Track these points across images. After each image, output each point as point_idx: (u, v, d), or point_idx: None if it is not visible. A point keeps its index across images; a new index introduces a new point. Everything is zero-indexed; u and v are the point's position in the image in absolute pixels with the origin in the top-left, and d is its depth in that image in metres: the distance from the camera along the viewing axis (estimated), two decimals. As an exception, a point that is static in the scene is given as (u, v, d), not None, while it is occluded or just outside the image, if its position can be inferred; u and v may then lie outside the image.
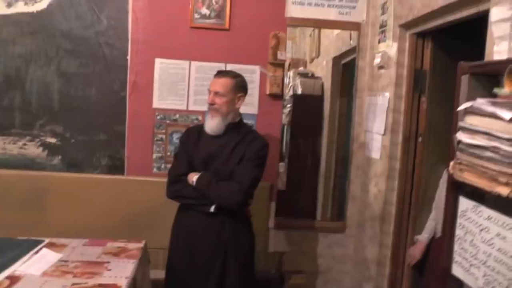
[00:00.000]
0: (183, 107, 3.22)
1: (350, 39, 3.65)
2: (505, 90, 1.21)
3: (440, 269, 2.23)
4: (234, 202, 2.35)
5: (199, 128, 2.56)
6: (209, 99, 2.43)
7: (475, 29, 2.18)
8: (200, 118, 3.19)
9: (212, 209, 2.38)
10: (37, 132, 3.18)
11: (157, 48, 3.17)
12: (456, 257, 1.53)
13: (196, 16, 3.16)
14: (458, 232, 1.53)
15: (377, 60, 3.03)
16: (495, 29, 1.56)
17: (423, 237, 2.60)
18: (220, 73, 2.51)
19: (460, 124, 1.46)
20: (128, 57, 3.17)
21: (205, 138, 2.50)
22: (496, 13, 1.54)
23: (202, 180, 2.37)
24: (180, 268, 2.47)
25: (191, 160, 2.48)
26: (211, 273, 2.41)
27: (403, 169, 2.88)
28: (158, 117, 3.22)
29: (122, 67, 3.17)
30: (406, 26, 2.81)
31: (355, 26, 3.31)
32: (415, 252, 2.63)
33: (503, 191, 1.23)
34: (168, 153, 3.22)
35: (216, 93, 2.42)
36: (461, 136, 1.45)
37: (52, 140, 3.21)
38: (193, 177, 2.39)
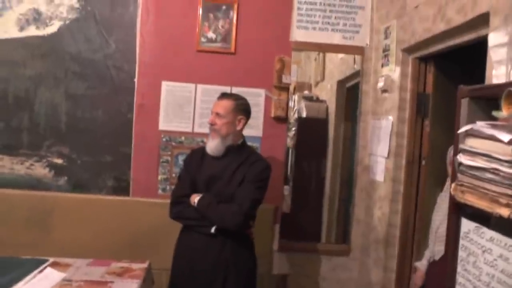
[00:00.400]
0: (189, 130, 3.26)
1: (354, 63, 3.69)
2: (502, 113, 1.24)
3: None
4: (233, 224, 2.36)
5: (203, 150, 2.59)
6: (210, 119, 2.49)
7: (476, 54, 2.22)
8: (205, 140, 3.21)
9: (212, 230, 2.40)
10: (44, 153, 3.22)
11: (164, 71, 3.23)
12: (459, 278, 1.53)
13: (203, 40, 3.22)
14: (461, 253, 1.53)
15: (381, 84, 3.06)
16: (493, 54, 1.59)
17: (422, 265, 2.61)
18: (223, 95, 2.56)
19: (461, 146, 1.48)
20: (135, 80, 3.23)
21: (208, 160, 2.53)
22: (493, 39, 1.57)
23: (202, 202, 2.41)
24: (181, 285, 2.48)
25: (194, 181, 2.52)
26: None
27: (406, 192, 2.89)
28: (164, 139, 3.26)
29: (129, 90, 3.23)
30: (408, 50, 2.85)
31: (358, 50, 3.36)
32: (416, 279, 2.64)
33: (504, 212, 1.24)
34: (174, 175, 3.23)
35: (217, 114, 2.47)
36: (461, 158, 1.47)
37: (59, 161, 3.24)
38: (195, 199, 2.43)
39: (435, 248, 2.41)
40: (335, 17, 3.31)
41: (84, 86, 3.22)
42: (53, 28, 3.16)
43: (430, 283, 2.50)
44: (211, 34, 3.22)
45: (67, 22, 3.17)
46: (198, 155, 2.60)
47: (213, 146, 2.49)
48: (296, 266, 3.38)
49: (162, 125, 3.25)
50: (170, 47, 3.23)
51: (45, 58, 3.18)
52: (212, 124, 2.48)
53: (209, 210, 2.39)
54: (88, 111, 3.23)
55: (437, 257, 2.41)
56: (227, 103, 2.49)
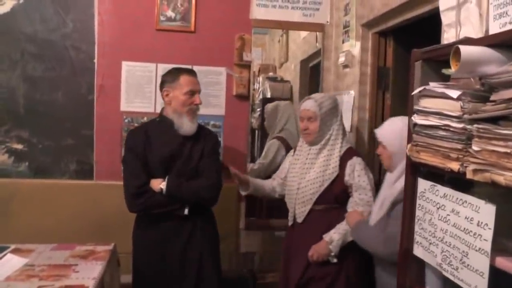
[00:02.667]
0: (151, 110, 3.21)
1: (316, 41, 3.71)
2: (451, 70, 1.27)
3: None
4: (210, 197, 2.36)
5: (144, 129, 2.48)
6: (197, 99, 2.41)
7: (435, 27, 2.26)
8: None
9: (186, 211, 2.33)
10: (2, 139, 3.12)
11: (124, 51, 3.17)
12: (417, 237, 1.57)
13: (162, 18, 3.17)
14: (418, 213, 1.57)
15: (342, 59, 3.09)
16: (443, 18, 1.63)
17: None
18: (192, 72, 2.50)
19: (415, 107, 1.51)
20: (95, 60, 3.16)
21: (156, 139, 2.41)
22: (443, 2, 1.61)
23: (171, 184, 2.30)
24: (150, 274, 2.40)
25: (146, 165, 2.36)
26: (186, 279, 2.38)
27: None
28: (126, 120, 3.21)
29: (89, 70, 3.16)
30: (368, 25, 2.88)
31: (319, 27, 3.37)
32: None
33: (454, 166, 1.27)
34: (137, 157, 3.20)
35: (199, 93, 2.44)
36: (416, 118, 1.50)
37: (19, 146, 3.15)
38: (160, 184, 2.31)
39: (297, 210, 2.35)
40: (295, -5, 3.32)
41: (42, 67, 3.12)
42: (5, 7, 3.04)
43: (291, 246, 2.43)
44: (170, 13, 3.17)
45: (21, 1, 3.06)
46: (139, 136, 2.43)
47: (194, 127, 2.43)
48: (263, 243, 3.40)
49: (124, 106, 3.20)
50: (129, 27, 3.17)
51: (-1, 39, 3.07)
52: (198, 104, 2.43)
53: (182, 191, 2.31)
54: (47, 94, 3.14)
55: (299, 219, 2.35)
56: (197, 80, 2.47)
